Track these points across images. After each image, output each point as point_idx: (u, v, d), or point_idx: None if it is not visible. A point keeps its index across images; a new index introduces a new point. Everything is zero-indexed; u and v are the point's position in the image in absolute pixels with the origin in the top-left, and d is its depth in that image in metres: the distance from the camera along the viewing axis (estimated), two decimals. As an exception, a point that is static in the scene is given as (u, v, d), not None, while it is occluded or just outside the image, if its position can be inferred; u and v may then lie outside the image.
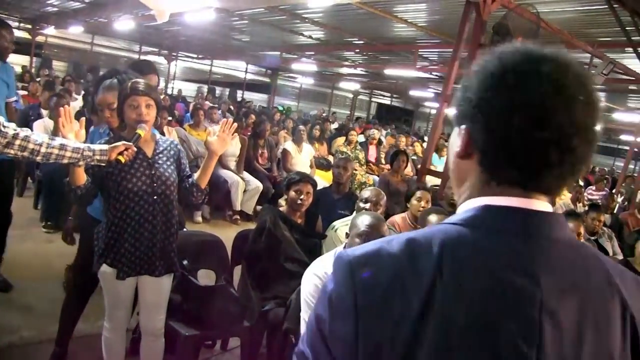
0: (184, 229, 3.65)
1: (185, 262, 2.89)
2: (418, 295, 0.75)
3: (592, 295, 0.79)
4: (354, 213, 3.50)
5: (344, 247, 2.64)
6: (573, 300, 0.77)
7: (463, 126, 0.84)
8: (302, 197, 3.43)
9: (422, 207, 3.97)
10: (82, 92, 10.01)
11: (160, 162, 2.58)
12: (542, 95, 0.76)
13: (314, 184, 3.55)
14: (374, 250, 0.82)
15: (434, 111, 24.59)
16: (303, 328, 2.48)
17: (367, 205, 3.42)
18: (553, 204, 0.83)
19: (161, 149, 2.62)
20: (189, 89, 19.93)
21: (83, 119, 2.53)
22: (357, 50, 12.22)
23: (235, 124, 2.74)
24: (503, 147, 0.78)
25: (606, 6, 5.43)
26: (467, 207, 0.84)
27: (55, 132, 2.39)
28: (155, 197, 2.51)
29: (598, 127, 0.79)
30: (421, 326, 0.74)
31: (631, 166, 13.48)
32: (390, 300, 0.76)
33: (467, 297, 0.75)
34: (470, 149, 0.84)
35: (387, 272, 0.78)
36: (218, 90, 21.28)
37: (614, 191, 9.54)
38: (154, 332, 2.69)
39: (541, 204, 0.81)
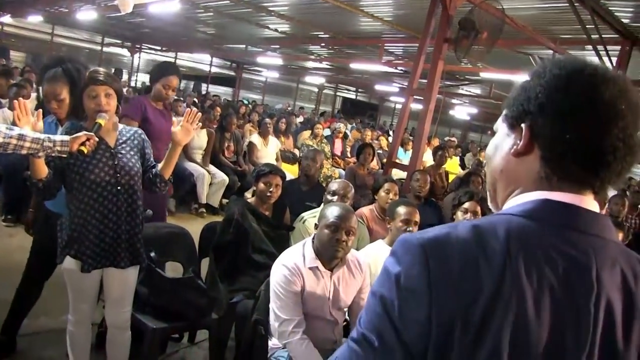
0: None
1: (152, 255, 2.85)
2: (490, 278, 0.78)
3: (638, 296, 0.85)
4: (322, 205, 3.52)
5: (313, 238, 2.65)
6: (622, 297, 0.83)
7: (524, 124, 0.88)
8: (271, 189, 3.41)
9: (390, 199, 4.01)
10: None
11: (123, 152, 2.53)
12: (612, 96, 0.82)
13: (283, 176, 3.54)
14: (443, 234, 0.83)
15: (398, 106, 24.89)
16: (272, 318, 2.49)
17: (335, 198, 3.44)
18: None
19: (124, 138, 2.57)
20: (152, 82, 19.60)
21: (40, 110, 2.45)
22: (323, 44, 12.24)
23: (200, 114, 2.71)
24: (571, 144, 0.83)
25: (567, 4, 5.55)
26: (522, 199, 0.88)
27: (15, 123, 2.31)
28: (119, 188, 2.47)
29: None
30: (493, 307, 0.77)
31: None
32: (463, 282, 0.78)
33: (535, 283, 0.78)
34: (530, 146, 0.88)
35: (459, 255, 0.80)
36: (182, 83, 20.99)
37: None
38: (120, 325, 2.65)
39: (592, 204, 0.86)
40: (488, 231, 0.82)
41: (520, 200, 0.88)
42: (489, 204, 1.01)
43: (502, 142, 0.94)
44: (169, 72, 3.71)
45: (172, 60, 18.99)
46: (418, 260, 0.81)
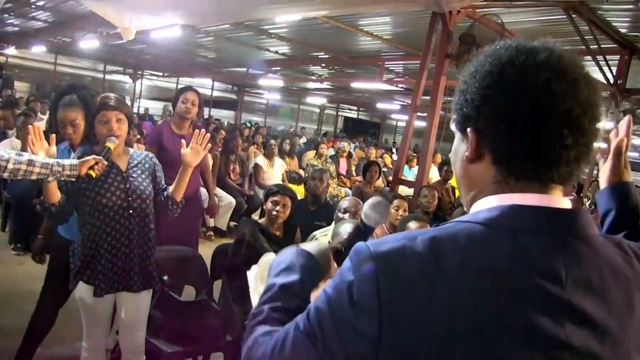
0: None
1: (165, 278, 2.85)
2: (445, 295, 0.74)
3: (617, 295, 0.81)
4: (332, 224, 3.51)
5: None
6: (601, 302, 0.79)
7: (469, 129, 0.84)
8: (277, 208, 3.41)
9: (400, 215, 4.01)
10: (48, 113, 9.82)
11: (134, 175, 2.55)
12: (545, 81, 0.77)
13: (293, 197, 3.53)
14: (398, 246, 0.79)
15: (400, 123, 24.97)
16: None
17: (347, 215, 3.44)
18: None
19: (135, 162, 2.59)
20: (155, 107, 19.73)
21: (53, 135, 2.48)
22: (323, 65, 12.33)
23: (208, 135, 2.73)
24: (516, 140, 0.79)
25: (565, 16, 5.61)
26: (485, 205, 0.83)
27: (25, 149, 2.33)
28: (131, 212, 2.48)
29: (601, 106, 0.81)
30: (450, 326, 0.73)
31: (594, 171, 13.79)
32: (416, 303, 0.74)
33: (494, 297, 0.74)
34: (480, 150, 0.84)
35: (413, 271, 0.76)
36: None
37: (581, 195, 9.76)
38: (134, 350, 2.63)
39: (561, 200, 0.82)
40: (447, 243, 0.78)
41: (484, 206, 0.83)
42: (465, 207, 0.95)
43: (458, 147, 0.90)
44: (185, 89, 3.96)
45: (174, 85, 19.25)
46: (370, 275, 0.77)
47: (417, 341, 0.74)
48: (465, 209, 0.92)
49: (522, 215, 0.79)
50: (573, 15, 5.53)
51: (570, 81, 0.78)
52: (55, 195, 2.32)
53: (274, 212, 3.40)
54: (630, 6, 5.32)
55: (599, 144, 0.90)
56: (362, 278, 0.78)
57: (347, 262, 0.82)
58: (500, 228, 0.79)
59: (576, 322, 0.76)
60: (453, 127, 0.91)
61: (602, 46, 6.32)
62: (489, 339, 0.73)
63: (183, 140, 2.74)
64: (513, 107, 0.78)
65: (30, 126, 2.38)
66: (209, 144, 2.73)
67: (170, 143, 3.68)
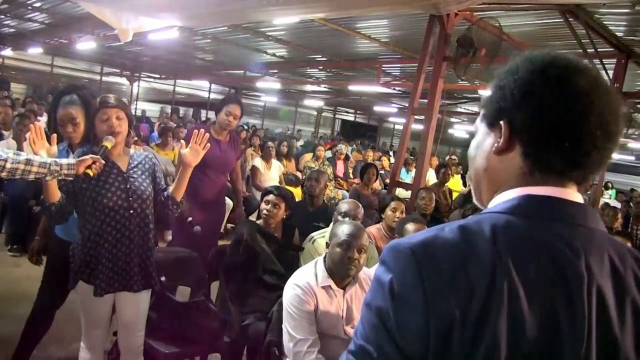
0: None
1: (162, 279, 2.85)
2: (482, 277, 0.78)
3: (628, 280, 0.85)
4: (330, 225, 3.52)
5: (324, 258, 2.65)
6: (612, 284, 0.83)
7: (502, 121, 0.89)
8: (268, 207, 3.40)
9: (397, 217, 4.02)
10: (45, 114, 9.81)
11: (135, 176, 2.55)
12: (585, 85, 0.84)
13: (288, 199, 3.52)
14: (431, 236, 0.83)
15: (397, 126, 25.01)
16: (286, 339, 2.47)
17: (347, 219, 3.43)
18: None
19: (136, 162, 2.60)
20: (152, 110, 19.71)
21: (55, 135, 2.48)
22: (321, 67, 12.32)
23: (207, 135, 2.74)
24: (551, 134, 0.84)
25: (562, 20, 5.62)
26: (506, 197, 0.88)
27: (21, 148, 2.32)
28: (131, 212, 2.48)
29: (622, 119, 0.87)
30: (487, 306, 0.76)
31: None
32: (456, 283, 0.78)
33: (525, 277, 0.78)
34: (511, 142, 0.88)
35: (450, 257, 0.80)
36: (182, 110, 21.12)
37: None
38: (133, 350, 2.63)
39: (575, 195, 0.87)
40: (475, 230, 0.82)
41: (504, 197, 0.88)
42: (475, 201, 1.01)
43: (482, 141, 0.94)
44: (231, 101, 4.04)
45: (172, 87, 19.23)
46: (409, 265, 0.80)
47: (457, 325, 0.76)
48: (481, 205, 0.97)
49: (539, 204, 0.85)
50: (570, 19, 5.54)
51: (604, 91, 0.85)
52: (55, 194, 2.32)
53: (265, 212, 3.41)
54: (627, 10, 5.33)
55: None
56: (402, 271, 0.81)
57: (379, 267, 0.85)
58: (519, 215, 0.84)
59: (602, 303, 0.81)
60: (478, 122, 0.96)
61: (599, 50, 6.33)
62: (522, 316, 0.77)
63: (182, 141, 2.77)
64: (554, 104, 0.84)
65: (31, 125, 2.37)
66: (208, 144, 2.74)
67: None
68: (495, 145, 0.90)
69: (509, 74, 0.89)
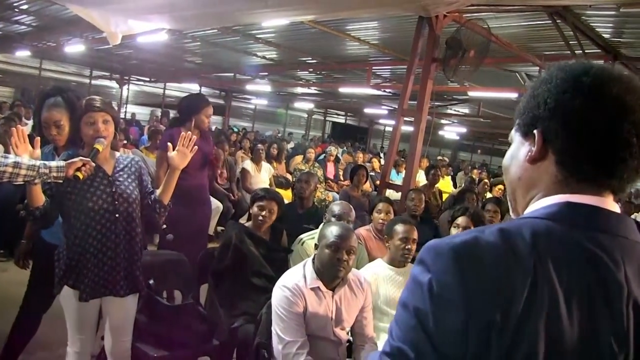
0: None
1: (151, 282, 2.83)
2: (523, 281, 0.77)
3: None
4: (320, 227, 3.51)
5: (313, 259, 2.64)
6: None
7: (536, 130, 0.89)
8: (263, 213, 3.39)
9: (382, 218, 4.02)
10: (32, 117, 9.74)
11: (121, 179, 2.53)
12: (619, 93, 0.83)
13: (280, 203, 3.52)
14: (472, 238, 0.82)
15: (388, 128, 25.06)
16: (275, 341, 2.46)
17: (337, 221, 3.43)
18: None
19: (122, 166, 2.58)
20: (142, 113, 19.63)
21: (38, 138, 2.45)
22: (311, 70, 12.32)
23: (194, 137, 2.73)
24: (585, 143, 0.84)
25: (550, 21, 5.66)
26: (544, 203, 0.88)
27: (8, 151, 2.30)
28: (117, 215, 2.46)
29: None
30: (527, 310, 0.76)
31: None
32: (498, 286, 0.77)
33: (565, 283, 0.78)
34: (544, 151, 0.88)
35: (491, 259, 0.79)
36: (172, 113, 21.03)
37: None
38: (120, 355, 2.60)
39: (613, 205, 0.86)
40: (515, 234, 0.82)
41: (541, 204, 0.88)
42: (511, 214, 1.01)
43: (517, 151, 0.95)
44: (208, 103, 4.14)
45: (161, 90, 19.17)
46: (451, 266, 0.80)
47: (496, 326, 0.76)
48: (517, 215, 0.96)
49: (578, 212, 0.85)
50: (558, 21, 5.58)
51: (638, 97, 0.84)
52: (39, 198, 2.28)
53: (260, 218, 3.39)
54: (613, 12, 5.37)
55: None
56: (442, 271, 0.80)
57: (415, 268, 0.85)
58: (559, 221, 0.84)
59: (638, 314, 0.81)
60: (513, 132, 0.96)
61: (586, 51, 6.38)
62: (559, 326, 0.76)
63: (169, 144, 2.75)
64: (587, 112, 0.84)
65: (14, 128, 2.34)
66: (195, 147, 2.73)
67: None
68: (529, 154, 0.90)
69: (543, 84, 0.89)
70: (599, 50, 6.58)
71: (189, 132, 2.72)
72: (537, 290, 0.76)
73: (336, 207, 3.61)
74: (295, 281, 2.53)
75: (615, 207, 0.86)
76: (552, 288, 0.77)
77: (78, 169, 2.23)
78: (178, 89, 20.13)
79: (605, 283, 0.80)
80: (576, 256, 0.80)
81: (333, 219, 3.45)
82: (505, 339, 0.75)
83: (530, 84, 0.93)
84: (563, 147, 0.86)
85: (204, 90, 19.73)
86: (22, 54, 13.44)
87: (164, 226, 3.84)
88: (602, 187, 0.86)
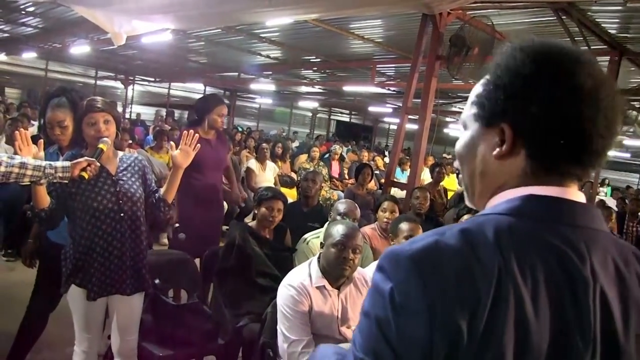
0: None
1: (157, 282, 2.84)
2: (487, 284, 0.74)
3: (632, 284, 0.83)
4: (325, 225, 3.51)
5: (318, 258, 2.64)
6: (616, 287, 0.81)
7: (504, 124, 0.84)
8: (273, 213, 3.39)
9: (387, 217, 4.02)
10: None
11: (124, 178, 2.54)
12: (592, 83, 0.80)
13: (285, 201, 3.53)
14: (432, 242, 0.78)
15: (392, 126, 24.98)
16: (280, 340, 2.46)
17: (346, 220, 3.43)
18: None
19: (125, 165, 2.59)
20: (147, 113, 19.68)
21: (42, 140, 2.47)
22: (315, 68, 12.31)
23: (197, 136, 2.73)
24: (557, 134, 0.81)
25: (555, 17, 5.63)
26: (506, 197, 0.84)
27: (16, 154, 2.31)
28: (122, 215, 2.47)
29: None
30: (494, 314, 0.73)
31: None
32: (462, 292, 0.74)
33: (531, 282, 0.76)
34: (515, 146, 0.84)
35: (453, 265, 0.75)
36: (177, 113, 21.09)
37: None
38: (127, 354, 2.61)
39: (577, 194, 0.84)
40: (477, 235, 0.78)
41: (504, 198, 0.84)
42: (468, 202, 0.96)
43: (476, 142, 0.89)
44: (221, 102, 4.20)
45: (166, 90, 19.22)
46: (412, 274, 0.76)
47: (462, 335, 0.73)
48: (475, 206, 0.93)
49: (540, 204, 0.82)
50: (563, 17, 5.55)
51: (609, 85, 0.82)
52: (45, 200, 2.30)
53: (270, 218, 3.39)
54: (619, 7, 5.34)
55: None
56: (403, 280, 0.76)
57: (376, 275, 0.81)
58: (521, 216, 0.81)
59: (606, 307, 0.79)
60: (468, 119, 0.91)
61: (592, 47, 6.34)
62: (526, 326, 0.74)
63: (172, 143, 2.76)
64: (556, 104, 0.80)
65: (17, 132, 2.36)
66: (199, 145, 2.73)
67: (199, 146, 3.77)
68: (498, 150, 0.85)
69: (505, 71, 0.84)
70: (605, 46, 6.54)
71: (192, 131, 2.72)
72: (503, 293, 0.73)
73: (341, 206, 3.61)
74: (301, 280, 2.53)
75: (580, 196, 0.84)
76: (517, 289, 0.74)
77: (83, 169, 2.24)
78: (183, 89, 20.20)
79: (571, 279, 0.78)
80: (541, 253, 0.78)
81: (338, 218, 3.45)
82: (472, 345, 0.72)
83: (491, 68, 0.87)
84: (535, 141, 0.82)
85: (209, 89, 19.77)
86: (29, 55, 13.51)
87: (177, 225, 3.87)
88: (567, 176, 0.84)
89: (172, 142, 2.77)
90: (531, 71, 0.82)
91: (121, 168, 2.56)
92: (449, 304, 0.73)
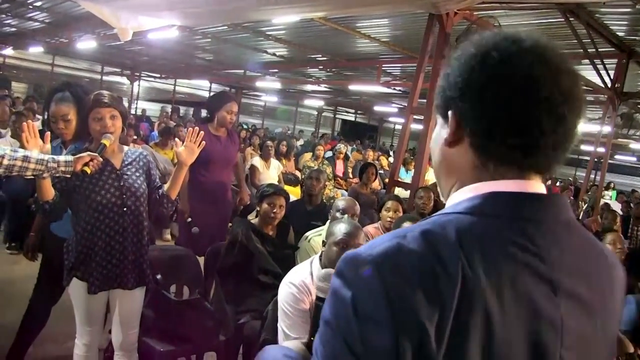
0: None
1: (158, 277, 2.84)
2: (451, 288, 0.71)
3: (597, 274, 0.83)
4: (327, 223, 3.50)
5: (320, 256, 2.63)
6: (583, 280, 0.81)
7: (450, 112, 0.84)
8: (275, 210, 3.39)
9: (390, 217, 4.01)
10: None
11: (129, 173, 2.54)
12: (528, 66, 0.77)
13: (287, 197, 3.53)
14: (393, 246, 0.74)
15: (398, 126, 24.99)
16: (281, 338, 2.46)
17: (345, 216, 3.42)
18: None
19: (130, 160, 2.59)
20: (152, 109, 19.73)
21: (48, 133, 2.47)
22: (321, 67, 12.32)
23: (202, 133, 2.73)
24: (495, 122, 0.79)
25: (562, 19, 5.61)
26: (464, 195, 0.83)
27: (22, 146, 2.32)
28: (125, 209, 2.48)
29: (583, 98, 0.81)
30: (459, 317, 0.71)
31: (591, 175, 13.88)
32: (425, 298, 0.70)
33: (496, 284, 0.73)
34: (459, 133, 0.83)
35: (416, 269, 0.72)
36: (182, 109, 21.13)
37: (578, 198, 9.81)
38: (128, 348, 2.62)
39: (538, 186, 0.82)
40: (439, 236, 0.75)
41: (463, 195, 0.83)
42: (442, 198, 0.94)
43: (438, 133, 0.89)
44: (230, 100, 4.23)
45: (172, 86, 19.25)
46: (372, 282, 0.72)
47: (429, 340, 0.70)
48: (443, 200, 0.91)
49: (501, 202, 0.80)
50: (571, 19, 5.53)
51: (554, 69, 0.78)
52: (49, 192, 2.31)
53: (272, 214, 3.38)
54: (628, 9, 5.32)
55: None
56: (364, 286, 0.73)
57: (335, 280, 0.76)
58: (483, 215, 0.79)
59: (568, 302, 0.78)
60: (435, 113, 0.91)
61: (599, 49, 6.33)
62: (499, 325, 0.73)
63: (177, 140, 2.77)
64: (494, 89, 0.78)
65: (24, 124, 2.36)
66: (204, 142, 2.73)
67: (208, 143, 3.75)
68: (445, 137, 0.85)
69: (455, 60, 0.84)
70: (612, 49, 6.53)
71: (197, 128, 2.73)
72: (467, 295, 0.71)
73: (340, 203, 3.61)
74: (302, 278, 2.52)
75: (540, 188, 0.82)
76: (482, 291, 0.72)
77: (86, 164, 2.25)
78: (188, 86, 20.22)
79: (535, 277, 0.76)
80: (503, 253, 0.76)
81: (338, 214, 3.45)
82: (440, 351, 0.70)
83: (447, 61, 0.87)
84: (475, 129, 0.81)
85: (214, 87, 19.81)
86: (35, 50, 13.55)
87: (189, 219, 3.87)
88: (523, 168, 0.81)
89: (177, 139, 2.76)
90: (470, 58, 0.81)
91: (126, 162, 2.56)
92: (413, 312, 0.70)
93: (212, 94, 19.76)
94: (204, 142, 2.73)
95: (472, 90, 0.80)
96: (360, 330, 0.71)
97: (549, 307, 0.76)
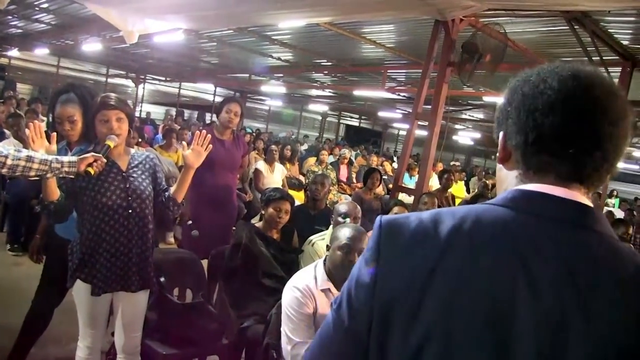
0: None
1: (162, 280, 2.84)
2: (433, 252, 0.81)
3: (627, 289, 0.77)
4: (330, 228, 3.50)
5: (324, 260, 2.63)
6: (559, 286, 0.77)
7: (500, 132, 0.92)
8: (280, 214, 3.39)
9: (398, 222, 4.00)
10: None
11: (135, 175, 2.54)
12: (560, 82, 0.83)
13: (292, 202, 3.53)
14: (407, 215, 0.89)
15: (402, 132, 24.98)
16: (284, 342, 2.46)
17: (347, 220, 3.42)
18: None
19: (136, 162, 2.59)
20: (157, 112, 19.76)
21: (54, 134, 2.48)
22: (326, 72, 12.34)
23: (209, 136, 2.73)
24: (533, 132, 0.84)
25: (567, 27, 5.61)
26: (505, 194, 0.89)
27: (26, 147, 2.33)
28: (130, 212, 2.48)
29: (630, 120, 0.85)
30: (432, 280, 0.80)
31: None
32: (407, 258, 0.83)
33: (476, 265, 0.79)
34: (507, 150, 0.91)
35: (411, 230, 0.85)
36: (187, 113, 21.15)
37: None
38: (130, 351, 2.62)
39: (576, 195, 0.84)
40: (448, 215, 0.85)
41: (503, 194, 0.89)
42: None
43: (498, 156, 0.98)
44: (230, 100, 4.26)
45: (177, 89, 19.28)
46: (375, 237, 0.87)
47: (399, 292, 0.82)
48: None
49: (518, 196, 0.85)
50: (576, 27, 5.53)
51: (604, 93, 0.83)
52: (55, 192, 2.32)
53: (277, 219, 3.38)
54: (633, 18, 5.32)
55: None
56: (372, 239, 0.88)
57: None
58: (500, 205, 0.85)
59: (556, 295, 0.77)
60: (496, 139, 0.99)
61: (604, 58, 6.32)
62: (460, 300, 0.78)
63: (184, 143, 2.77)
64: (532, 106, 0.85)
65: (30, 124, 2.37)
66: (210, 145, 2.74)
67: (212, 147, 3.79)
68: (498, 155, 0.94)
69: (508, 92, 0.92)
70: (617, 57, 6.51)
71: (204, 131, 2.73)
72: (440, 269, 0.80)
73: (342, 207, 3.60)
74: (306, 282, 2.52)
75: (579, 197, 0.84)
76: (461, 270, 0.79)
77: (89, 165, 2.24)
78: (193, 89, 20.26)
79: (520, 262, 0.78)
80: (495, 241, 0.80)
81: (340, 218, 3.45)
82: (404, 315, 0.80)
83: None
84: (517, 140, 0.87)
85: (219, 90, 19.85)
86: (41, 51, 13.62)
87: (190, 222, 3.88)
88: (563, 178, 0.85)
89: (183, 142, 2.78)
90: (521, 84, 0.89)
91: (132, 165, 2.57)
92: (392, 271, 0.83)
93: (217, 98, 19.94)
94: (210, 146, 2.74)
95: (517, 113, 0.87)
96: (359, 270, 0.88)
97: (524, 300, 0.76)
